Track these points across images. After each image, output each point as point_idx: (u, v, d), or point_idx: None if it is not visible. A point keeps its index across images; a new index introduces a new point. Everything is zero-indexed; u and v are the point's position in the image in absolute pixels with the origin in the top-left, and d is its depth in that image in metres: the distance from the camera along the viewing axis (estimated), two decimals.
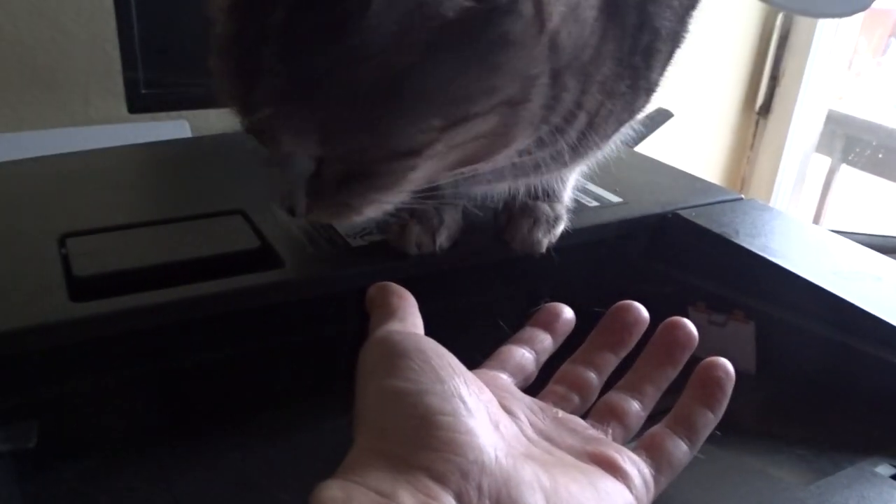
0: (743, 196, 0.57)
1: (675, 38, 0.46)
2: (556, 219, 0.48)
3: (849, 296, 0.43)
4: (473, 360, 0.35)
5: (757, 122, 1.98)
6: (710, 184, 0.59)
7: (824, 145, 2.01)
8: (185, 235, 0.45)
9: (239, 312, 0.41)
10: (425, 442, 0.27)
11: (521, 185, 0.46)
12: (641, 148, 1.27)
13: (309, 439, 0.41)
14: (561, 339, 0.40)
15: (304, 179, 0.34)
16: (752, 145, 1.99)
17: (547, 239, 0.48)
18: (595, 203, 0.54)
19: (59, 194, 0.51)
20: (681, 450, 0.34)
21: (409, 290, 0.38)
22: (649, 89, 0.45)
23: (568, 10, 0.35)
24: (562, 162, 0.43)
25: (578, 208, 0.53)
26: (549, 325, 0.40)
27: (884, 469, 0.37)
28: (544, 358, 0.39)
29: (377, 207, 0.37)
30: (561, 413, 0.35)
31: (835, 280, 0.45)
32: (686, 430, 0.34)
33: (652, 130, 1.57)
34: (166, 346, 0.40)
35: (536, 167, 0.43)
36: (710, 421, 0.34)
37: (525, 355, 0.39)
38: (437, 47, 0.31)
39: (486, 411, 0.30)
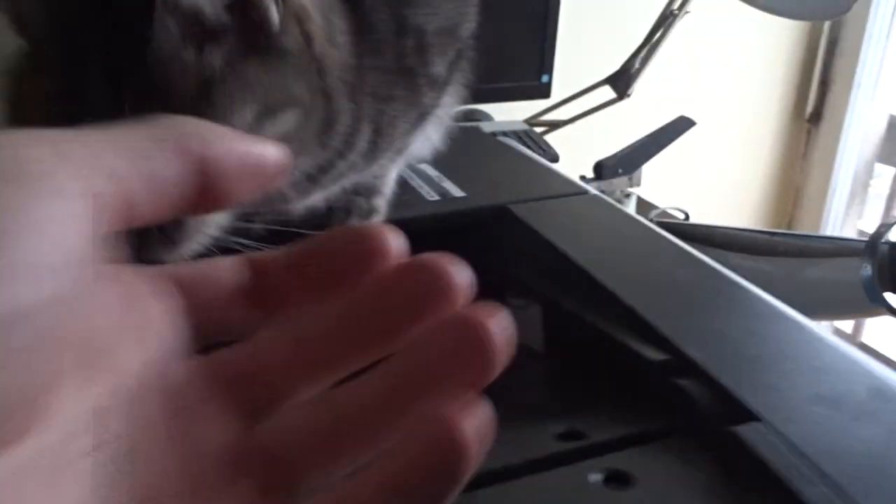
0: (594, 192, 0.60)
1: (454, 29, 0.50)
2: (371, 211, 0.54)
3: (614, 286, 0.45)
4: None
5: (808, 131, 1.92)
6: (566, 180, 0.63)
7: (888, 153, 1.92)
8: None
9: None
10: None
11: (332, 193, 0.52)
12: (666, 155, 1.30)
13: None
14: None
15: None
16: (805, 154, 1.93)
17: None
18: (437, 197, 0.59)
19: None
20: None
21: None
22: (434, 83, 0.50)
23: (325, 34, 0.41)
24: (359, 169, 0.49)
25: (416, 201, 0.58)
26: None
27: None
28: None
29: (196, 235, 0.37)
30: None
31: (613, 273, 0.47)
32: None
33: (674, 138, 1.56)
34: None
35: (338, 176, 0.49)
36: None
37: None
38: (231, 57, 0.34)
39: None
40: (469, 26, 0.53)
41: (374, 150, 0.48)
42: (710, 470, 0.35)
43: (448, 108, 0.62)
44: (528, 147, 1.34)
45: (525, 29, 1.46)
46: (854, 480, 0.32)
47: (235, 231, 0.39)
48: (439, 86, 0.51)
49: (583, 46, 1.65)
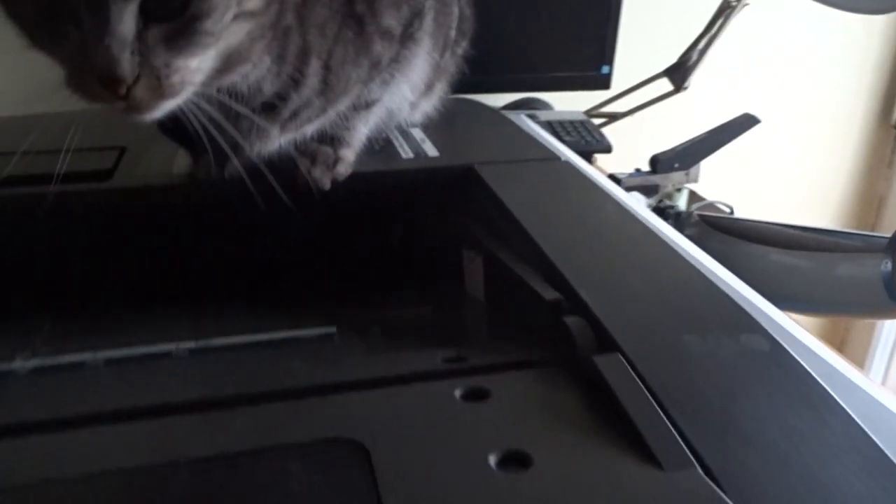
0: (568, 159, 0.62)
1: None
2: (337, 160, 0.58)
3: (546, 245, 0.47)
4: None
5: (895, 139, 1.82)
6: (545, 149, 0.65)
7: None
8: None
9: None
10: None
11: (299, 136, 0.56)
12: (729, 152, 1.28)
13: None
14: None
15: (123, 45, 0.37)
16: (891, 162, 1.84)
17: (327, 176, 0.57)
18: (411, 155, 0.63)
19: None
20: None
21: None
22: (384, 34, 0.54)
23: None
24: (315, 109, 0.53)
25: (390, 157, 0.61)
26: None
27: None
28: None
29: (183, 78, 0.40)
30: None
31: (543, 226, 0.49)
32: None
33: (736, 135, 1.53)
34: None
35: (296, 113, 0.53)
36: None
37: None
38: None
39: None
40: None
41: (327, 91, 0.51)
42: (565, 393, 0.37)
43: (433, 75, 0.65)
44: (583, 137, 1.35)
45: (587, 18, 1.46)
46: (684, 413, 0.33)
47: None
48: (392, 39, 0.54)
49: (644, 37, 1.64)
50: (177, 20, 0.39)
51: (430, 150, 0.64)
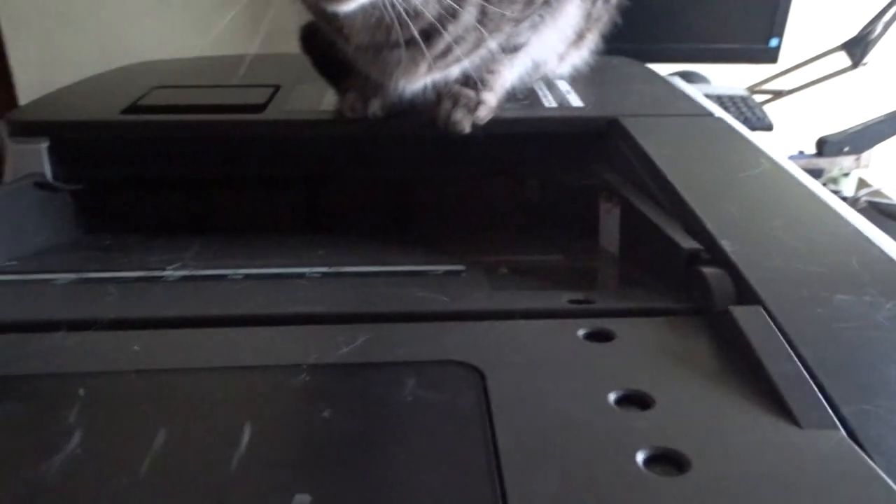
0: (715, 115, 0.58)
1: None
2: (479, 103, 0.57)
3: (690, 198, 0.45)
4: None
5: None
6: (697, 104, 0.61)
7: None
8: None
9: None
10: None
11: (444, 76, 0.56)
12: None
13: None
14: None
15: None
16: None
17: (468, 119, 0.57)
18: (554, 105, 0.61)
19: None
20: None
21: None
22: None
23: None
24: (466, 46, 0.53)
25: (532, 105, 0.60)
26: None
27: None
28: None
29: None
30: None
31: (689, 179, 0.47)
32: None
33: None
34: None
35: (445, 53, 0.53)
36: None
37: None
38: None
39: None
40: None
41: (480, 26, 0.51)
42: (696, 342, 0.35)
43: (584, 23, 0.63)
44: (742, 114, 1.27)
45: None
46: (829, 372, 0.30)
47: None
48: None
49: (817, 7, 1.51)
50: None
51: (575, 100, 0.62)
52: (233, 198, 0.61)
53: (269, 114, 0.59)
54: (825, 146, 1.32)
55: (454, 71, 0.56)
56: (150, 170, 0.60)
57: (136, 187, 0.61)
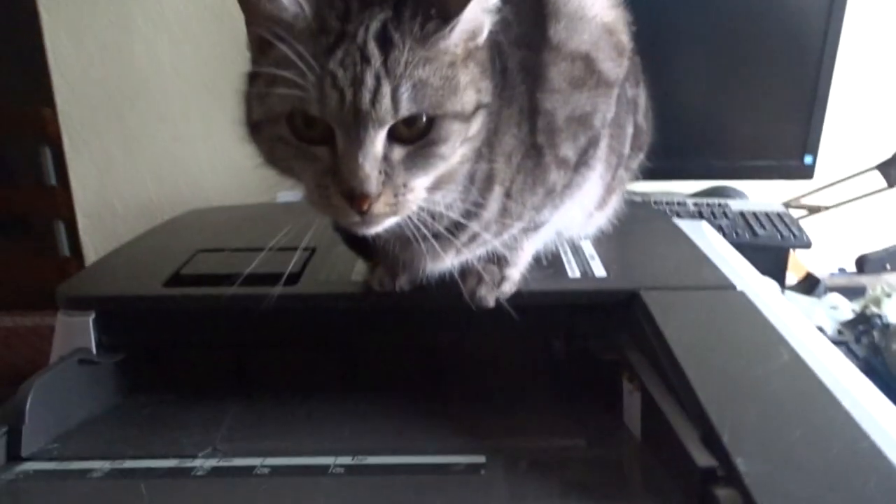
0: (735, 288, 0.59)
1: (585, 118, 0.55)
2: (504, 279, 0.59)
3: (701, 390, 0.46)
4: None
5: None
6: (719, 274, 0.62)
7: None
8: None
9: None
10: None
11: (469, 256, 0.58)
12: None
13: None
14: None
15: (374, 164, 0.44)
16: None
17: (492, 294, 0.58)
18: (577, 274, 0.63)
19: None
20: None
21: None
22: (562, 163, 0.55)
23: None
24: (491, 232, 0.55)
25: (556, 276, 0.62)
26: None
27: None
28: None
29: (415, 196, 0.46)
30: None
31: (710, 382, 0.47)
32: None
33: None
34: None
35: (471, 241, 0.55)
36: None
37: None
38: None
39: None
40: (603, 115, 0.56)
41: (504, 217, 0.53)
42: None
43: (604, 194, 0.65)
44: (779, 231, 1.27)
45: (790, 105, 1.39)
46: None
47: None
48: (567, 168, 0.55)
49: (853, 127, 1.52)
50: (417, 143, 0.45)
51: (598, 268, 0.63)
52: (267, 362, 0.64)
53: (303, 286, 0.62)
54: (866, 263, 1.30)
55: (479, 251, 0.58)
56: (190, 336, 0.63)
57: (176, 352, 0.64)
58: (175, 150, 1.50)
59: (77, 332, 0.60)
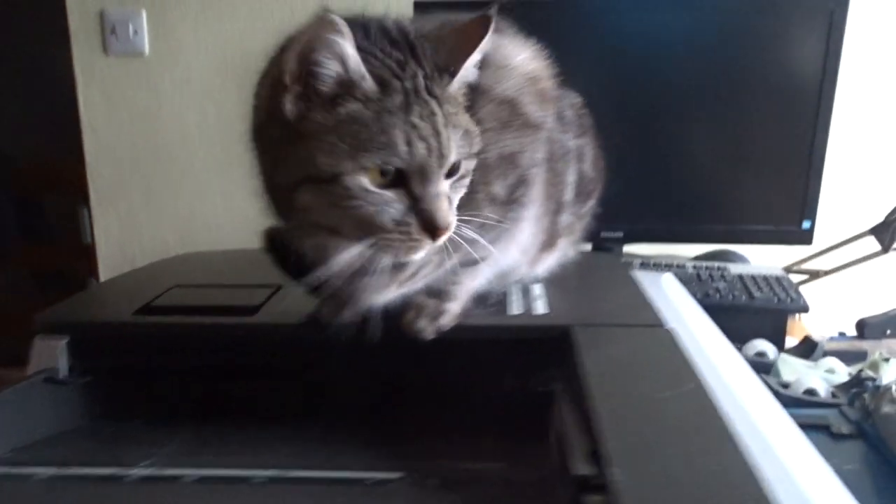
0: (663, 326, 0.61)
1: (513, 157, 0.60)
2: (441, 313, 0.62)
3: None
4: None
5: None
6: (652, 314, 0.64)
7: None
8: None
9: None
10: None
11: (411, 289, 0.61)
12: None
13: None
14: None
15: (447, 200, 0.53)
16: None
17: (431, 328, 0.61)
18: (518, 311, 0.65)
19: None
20: None
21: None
22: (492, 200, 0.59)
23: None
24: (432, 266, 0.59)
25: (499, 312, 0.65)
26: None
27: None
28: None
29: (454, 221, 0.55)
30: None
31: (612, 407, 0.49)
32: None
33: None
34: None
35: (413, 274, 0.59)
36: None
37: None
38: None
39: None
40: (531, 156, 0.60)
41: (443, 250, 0.57)
42: None
43: (547, 235, 0.69)
44: (776, 294, 1.28)
45: (788, 170, 1.41)
46: None
47: None
48: (496, 204, 0.59)
49: (850, 192, 1.53)
50: (453, 177, 0.54)
51: (540, 307, 0.66)
52: (222, 388, 0.67)
53: (260, 317, 0.66)
54: (866, 328, 1.29)
55: (420, 284, 0.62)
56: (155, 362, 0.67)
57: (141, 376, 0.68)
58: (196, 205, 1.58)
59: (51, 355, 0.65)
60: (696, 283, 1.30)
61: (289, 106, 0.52)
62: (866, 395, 1.01)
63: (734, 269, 1.37)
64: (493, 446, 0.58)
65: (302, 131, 0.52)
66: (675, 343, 0.57)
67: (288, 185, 0.54)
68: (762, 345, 1.20)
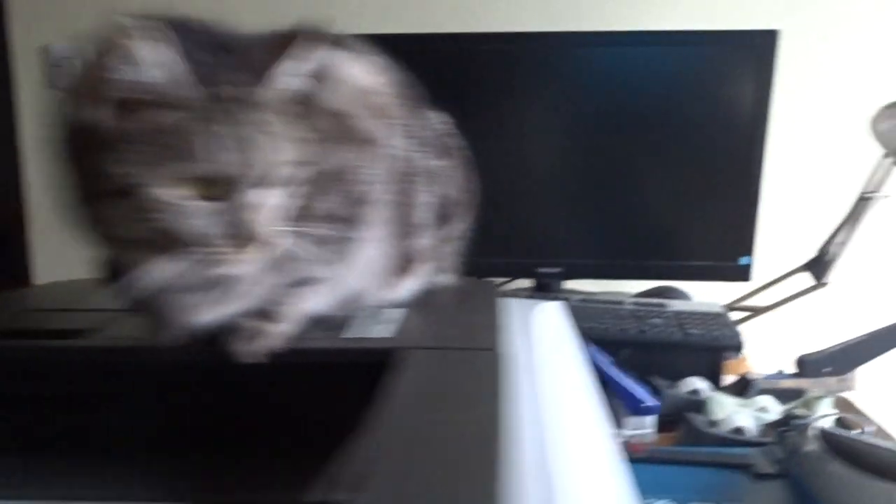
0: (494, 350, 0.57)
1: (340, 174, 0.57)
2: (260, 334, 0.58)
3: None
4: None
5: None
6: (489, 337, 0.60)
7: None
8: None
9: None
10: None
11: (235, 310, 0.58)
12: None
13: None
14: None
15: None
16: None
17: (254, 350, 0.58)
18: (355, 335, 0.62)
19: None
20: None
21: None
22: (326, 216, 0.56)
23: None
24: (253, 282, 0.56)
25: (334, 334, 0.61)
26: None
27: None
28: None
29: None
30: None
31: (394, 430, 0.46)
32: None
33: None
34: None
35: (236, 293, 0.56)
36: None
37: None
38: None
39: None
40: (367, 172, 0.58)
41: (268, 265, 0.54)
42: None
43: (399, 258, 0.65)
44: (710, 332, 1.24)
45: (726, 207, 1.40)
46: None
47: None
48: (333, 220, 0.56)
49: (785, 229, 1.50)
50: (271, 188, 0.52)
51: (383, 331, 0.62)
52: (45, 415, 0.63)
53: (79, 341, 0.62)
54: (805, 366, 1.25)
55: (247, 303, 0.58)
56: None
57: None
58: None
59: None
60: (633, 319, 1.27)
61: (90, 114, 0.50)
62: (793, 434, 0.97)
63: (674, 306, 1.34)
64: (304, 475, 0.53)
65: (103, 141, 0.50)
66: (493, 366, 0.53)
67: (92, 197, 0.52)
68: (696, 382, 1.17)
